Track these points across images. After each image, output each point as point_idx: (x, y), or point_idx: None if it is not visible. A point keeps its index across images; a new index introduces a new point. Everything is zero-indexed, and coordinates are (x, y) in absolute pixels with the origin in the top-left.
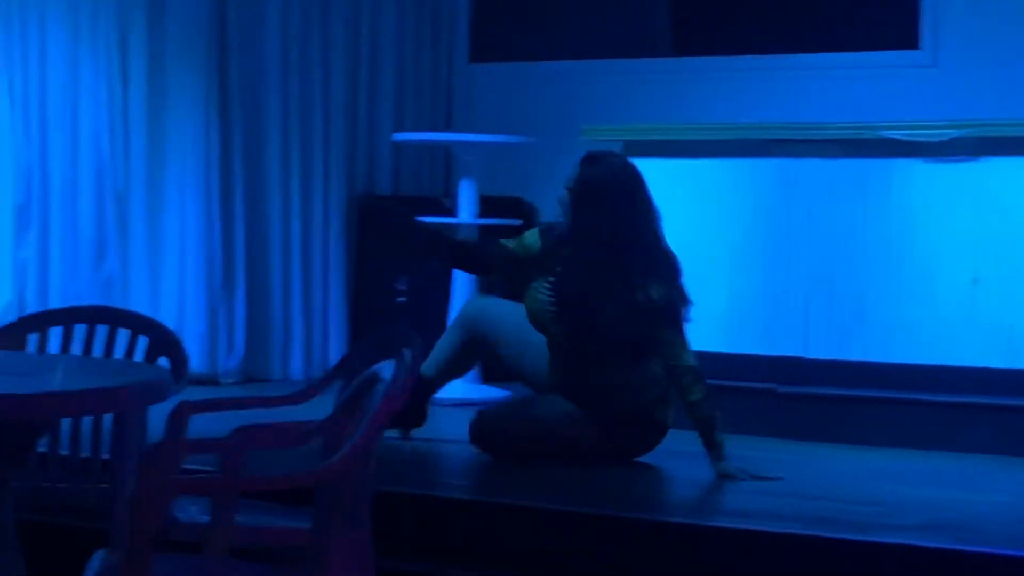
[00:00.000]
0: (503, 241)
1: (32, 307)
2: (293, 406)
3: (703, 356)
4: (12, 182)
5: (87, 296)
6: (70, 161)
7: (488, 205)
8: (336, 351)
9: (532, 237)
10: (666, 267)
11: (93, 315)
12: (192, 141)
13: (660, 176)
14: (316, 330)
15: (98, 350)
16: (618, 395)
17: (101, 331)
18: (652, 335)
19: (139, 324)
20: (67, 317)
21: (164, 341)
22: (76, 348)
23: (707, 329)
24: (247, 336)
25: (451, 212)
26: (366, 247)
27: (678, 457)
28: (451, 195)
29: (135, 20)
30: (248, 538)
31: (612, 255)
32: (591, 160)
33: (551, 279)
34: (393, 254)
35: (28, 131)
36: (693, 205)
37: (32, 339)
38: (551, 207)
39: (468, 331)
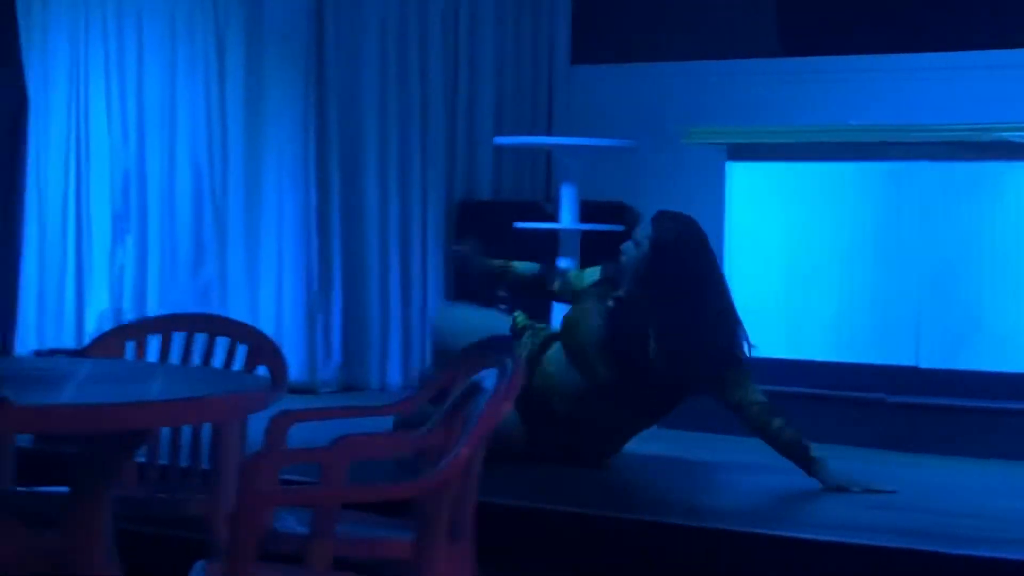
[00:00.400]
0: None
1: (129, 315)
2: (394, 416)
3: (812, 366)
4: (109, 187)
5: (185, 303)
6: (167, 165)
7: (590, 210)
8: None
9: (589, 271)
10: (731, 320)
11: (192, 323)
12: (289, 144)
13: (766, 180)
14: (415, 338)
15: (197, 358)
16: (584, 432)
17: (200, 339)
18: (715, 374)
19: (238, 332)
20: (165, 325)
21: (263, 349)
22: (174, 356)
23: (816, 337)
24: (344, 344)
25: (552, 217)
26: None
27: (778, 472)
28: (552, 200)
29: (232, 20)
30: (349, 550)
31: (682, 307)
32: (665, 216)
33: (610, 304)
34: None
35: (126, 135)
36: (800, 210)
37: (130, 347)
38: (654, 212)
39: (435, 343)
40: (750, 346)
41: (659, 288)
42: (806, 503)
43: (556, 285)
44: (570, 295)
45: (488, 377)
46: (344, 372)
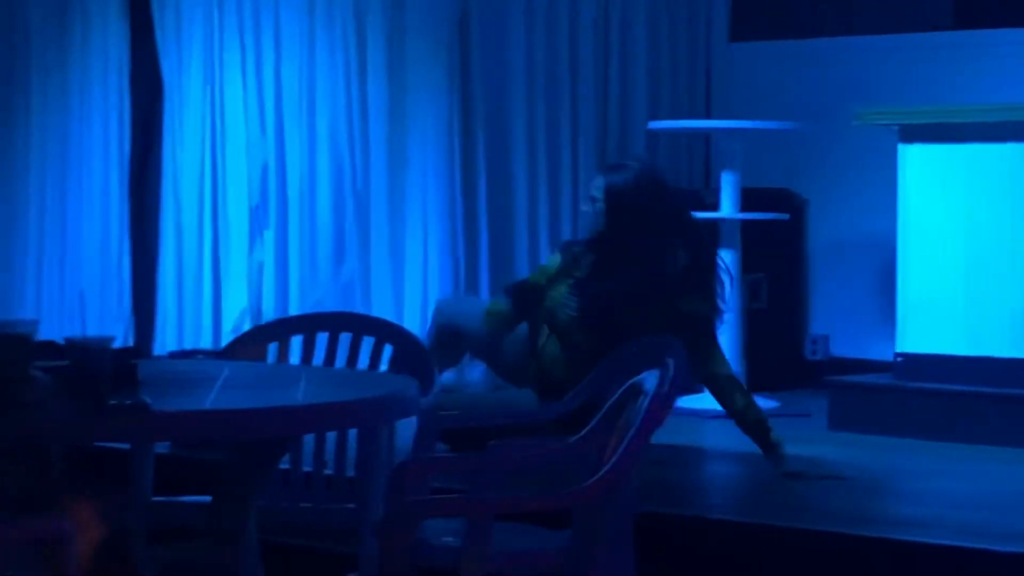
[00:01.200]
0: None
1: (269, 313)
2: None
3: (995, 363)
4: (247, 181)
5: (326, 301)
6: (307, 158)
7: (753, 198)
8: None
9: (550, 260)
10: (707, 279)
11: (336, 322)
12: (434, 134)
13: (943, 164)
14: None
15: (341, 360)
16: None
17: (344, 339)
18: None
19: (384, 331)
20: (308, 324)
21: (410, 350)
22: (318, 358)
23: (999, 333)
24: None
25: (712, 206)
26: None
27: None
28: (712, 187)
29: (373, 6)
30: (505, 563)
31: (644, 263)
32: (618, 164)
33: (570, 283)
34: None
35: (263, 127)
36: (982, 195)
37: (271, 348)
38: (820, 199)
39: (438, 325)
40: (722, 311)
41: (620, 245)
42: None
43: (530, 278)
44: (545, 281)
45: (649, 378)
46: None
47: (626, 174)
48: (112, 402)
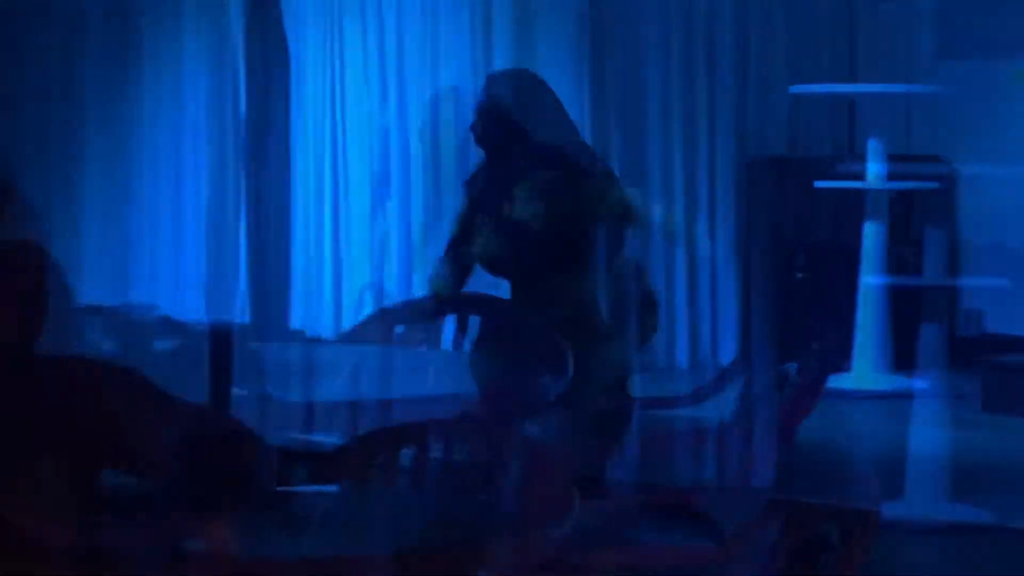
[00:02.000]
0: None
1: (392, 291)
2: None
3: None
4: (368, 147)
5: None
6: (431, 124)
7: (901, 166)
8: (726, 336)
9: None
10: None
11: (466, 305)
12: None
13: None
14: (703, 312)
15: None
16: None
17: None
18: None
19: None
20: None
21: (547, 346)
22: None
23: None
24: None
25: (858, 175)
26: (758, 217)
27: None
28: (857, 154)
29: None
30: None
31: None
32: (495, 76)
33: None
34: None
35: (384, 91)
36: None
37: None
38: (973, 167)
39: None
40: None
41: (502, 172)
42: None
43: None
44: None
45: (794, 367)
46: None
47: (505, 88)
48: None
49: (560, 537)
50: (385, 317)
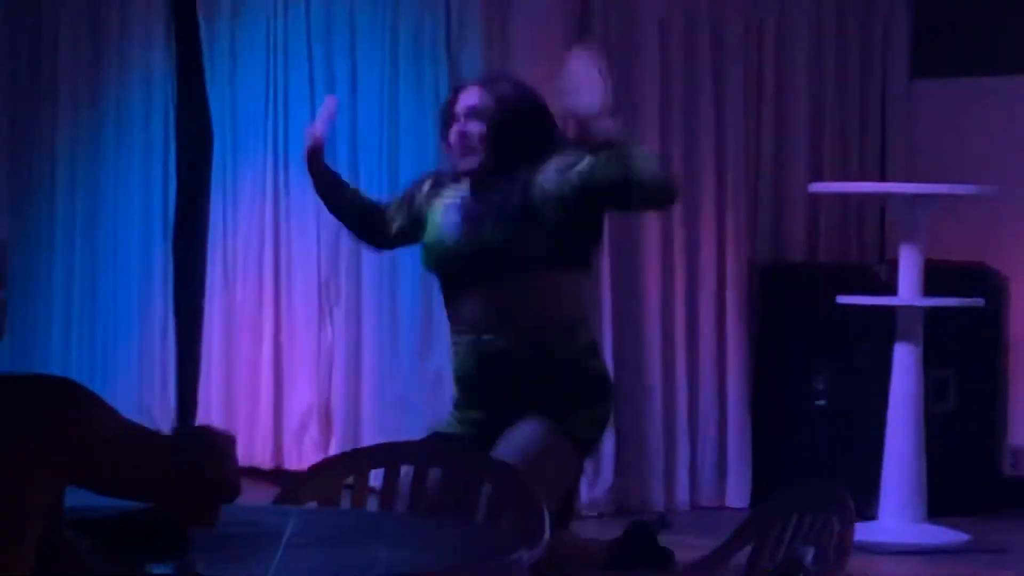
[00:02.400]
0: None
1: (339, 412)
2: None
3: None
4: (316, 253)
5: (408, 397)
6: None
7: (938, 276)
8: (736, 471)
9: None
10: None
11: (422, 455)
12: None
13: None
14: (707, 444)
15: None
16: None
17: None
18: None
19: (477, 468)
20: (389, 456)
21: (512, 490)
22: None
23: None
24: (618, 455)
25: (888, 286)
26: (773, 333)
27: None
28: (887, 263)
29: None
30: None
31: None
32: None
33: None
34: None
35: None
36: None
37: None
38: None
39: None
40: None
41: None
42: None
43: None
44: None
45: (808, 554)
46: (617, 491)
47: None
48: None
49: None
50: (334, 466)
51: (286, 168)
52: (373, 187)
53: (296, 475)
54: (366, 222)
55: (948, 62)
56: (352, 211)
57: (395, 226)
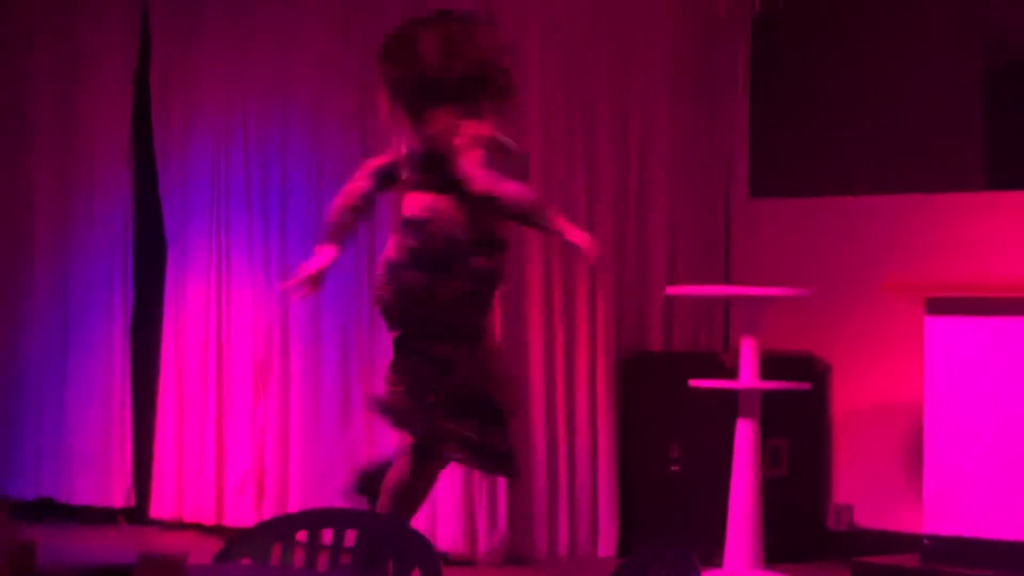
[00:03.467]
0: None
1: (272, 472)
2: None
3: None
4: (252, 335)
5: (332, 461)
6: (312, 312)
7: (773, 364)
8: (607, 525)
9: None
10: None
11: (337, 520)
12: None
13: (969, 338)
14: (583, 502)
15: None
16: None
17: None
18: None
19: (385, 531)
20: (310, 522)
21: (415, 551)
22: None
23: None
24: (509, 510)
25: (732, 371)
26: (637, 409)
27: None
28: (731, 350)
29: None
30: None
31: None
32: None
33: None
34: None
35: (268, 280)
36: (1008, 370)
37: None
38: (846, 364)
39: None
40: None
41: None
42: None
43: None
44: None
45: None
46: (509, 541)
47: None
48: None
49: None
50: (265, 532)
51: (228, 270)
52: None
53: (235, 531)
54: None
55: (781, 184)
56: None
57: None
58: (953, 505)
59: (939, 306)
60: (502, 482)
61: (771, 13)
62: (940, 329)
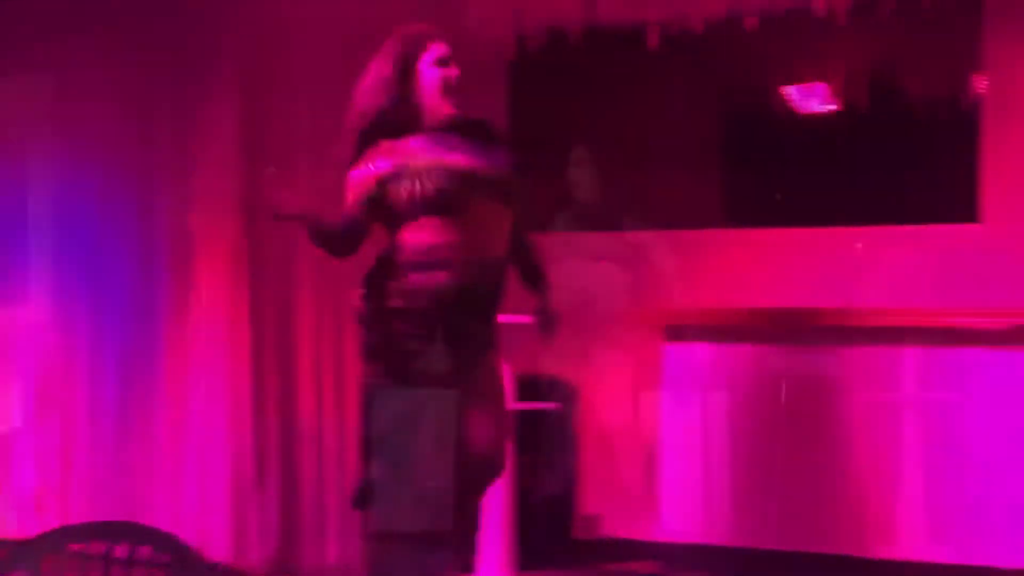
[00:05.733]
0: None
1: (56, 492)
2: None
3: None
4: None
5: (108, 480)
6: (95, 338)
7: (528, 385)
8: None
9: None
10: None
11: (115, 534)
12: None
13: (704, 363)
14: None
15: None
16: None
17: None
18: None
19: (161, 542)
20: (88, 534)
21: (188, 562)
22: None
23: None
24: (282, 522)
25: None
26: None
27: None
28: None
29: None
30: None
31: None
32: None
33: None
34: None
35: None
36: (735, 393)
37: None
38: (592, 386)
39: None
40: None
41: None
42: None
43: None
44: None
45: None
46: (280, 552)
47: None
48: None
49: None
50: (40, 544)
51: None
52: None
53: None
54: (347, 245)
55: (540, 220)
56: (335, 244)
57: (367, 223)
58: (688, 515)
59: (676, 333)
60: (272, 491)
61: (525, 57)
62: (676, 354)
